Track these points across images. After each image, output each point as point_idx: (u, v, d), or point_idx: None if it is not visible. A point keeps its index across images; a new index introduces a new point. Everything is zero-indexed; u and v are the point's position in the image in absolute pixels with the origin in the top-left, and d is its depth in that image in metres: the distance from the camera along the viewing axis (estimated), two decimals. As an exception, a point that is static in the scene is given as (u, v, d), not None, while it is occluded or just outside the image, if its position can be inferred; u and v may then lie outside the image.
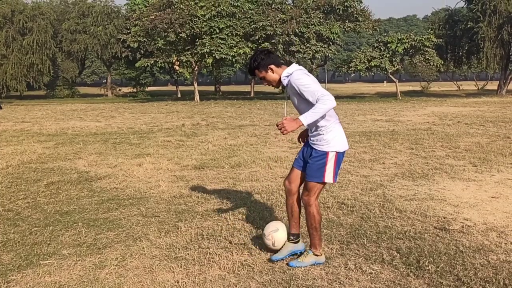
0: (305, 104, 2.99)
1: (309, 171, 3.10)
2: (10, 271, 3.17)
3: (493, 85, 41.10)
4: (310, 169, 3.09)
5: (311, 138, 3.13)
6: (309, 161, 3.11)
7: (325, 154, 3.04)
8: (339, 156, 3.10)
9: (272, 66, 3.07)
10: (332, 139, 3.04)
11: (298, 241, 3.32)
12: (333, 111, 3.07)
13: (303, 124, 2.85)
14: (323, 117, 2.99)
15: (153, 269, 3.16)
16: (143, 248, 3.54)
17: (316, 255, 3.15)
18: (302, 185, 3.25)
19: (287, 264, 3.15)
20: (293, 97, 3.11)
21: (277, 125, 2.91)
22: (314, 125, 3.07)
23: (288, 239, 3.28)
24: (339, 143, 3.07)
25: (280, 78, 3.09)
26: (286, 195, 3.32)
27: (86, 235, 3.87)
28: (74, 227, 4.09)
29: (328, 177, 3.07)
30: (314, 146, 3.10)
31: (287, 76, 3.05)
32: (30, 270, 3.18)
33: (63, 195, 5.21)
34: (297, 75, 2.98)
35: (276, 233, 3.27)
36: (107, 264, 3.25)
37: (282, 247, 3.25)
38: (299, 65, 3.15)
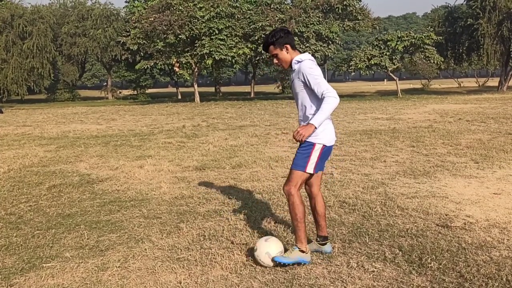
0: (305, 93, 3.07)
1: (295, 159, 3.14)
2: (13, 274, 3.17)
3: (494, 82, 41.08)
4: (296, 157, 3.13)
5: None
6: (297, 150, 3.16)
7: (311, 145, 3.07)
8: (325, 149, 3.11)
9: (288, 46, 3.10)
10: (321, 132, 3.05)
11: (325, 244, 3.34)
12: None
13: (316, 127, 2.91)
14: (315, 108, 3.04)
15: (155, 270, 3.16)
16: (145, 249, 3.54)
17: (302, 251, 3.08)
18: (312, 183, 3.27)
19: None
20: (295, 82, 3.13)
21: (294, 137, 2.95)
22: (307, 117, 3.10)
23: (316, 240, 3.35)
24: (327, 136, 3.09)
25: (291, 60, 3.11)
26: (309, 198, 3.35)
27: (89, 237, 3.88)
28: (76, 229, 4.09)
29: (310, 167, 3.08)
30: None
31: (299, 62, 3.09)
32: (33, 273, 3.18)
33: (65, 198, 5.21)
34: (309, 64, 3.04)
35: (260, 257, 3.11)
36: (109, 266, 3.26)
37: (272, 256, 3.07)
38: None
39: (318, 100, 3.03)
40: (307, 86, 3.03)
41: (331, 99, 2.87)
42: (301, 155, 3.09)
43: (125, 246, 3.64)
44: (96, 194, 5.39)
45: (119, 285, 2.96)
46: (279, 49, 3.09)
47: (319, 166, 3.15)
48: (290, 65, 3.14)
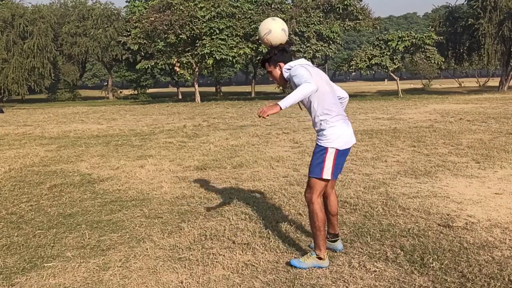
0: (306, 98, 3.02)
1: (310, 165, 3.10)
2: (14, 274, 3.17)
3: (494, 82, 41.04)
4: (311, 164, 3.09)
5: (316, 133, 3.13)
6: (312, 156, 3.12)
7: (324, 149, 3.02)
8: (340, 153, 3.03)
9: (282, 64, 3.13)
10: (332, 134, 3.00)
11: (335, 241, 3.34)
12: (335, 106, 3.08)
13: (281, 108, 2.78)
14: (322, 111, 3.01)
15: (157, 270, 3.16)
16: (147, 249, 3.54)
17: (320, 258, 3.07)
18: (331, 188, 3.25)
19: (288, 262, 3.12)
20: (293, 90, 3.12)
21: (258, 113, 2.83)
22: (316, 122, 3.06)
23: (326, 237, 3.30)
24: (340, 140, 3.02)
25: (281, 75, 3.12)
26: (322, 197, 3.29)
27: (90, 237, 3.87)
28: (77, 229, 4.09)
29: (326, 173, 3.02)
30: (317, 141, 3.10)
31: (288, 70, 3.08)
32: (34, 273, 3.18)
33: (66, 198, 5.21)
34: (294, 70, 3.00)
35: (269, 34, 3.13)
36: (111, 265, 3.26)
37: (278, 38, 3.11)
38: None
39: (322, 102, 3.01)
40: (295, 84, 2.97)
41: (305, 85, 2.79)
42: (315, 161, 3.04)
43: (127, 245, 3.64)
44: (97, 193, 5.39)
45: (120, 285, 2.95)
46: (273, 66, 3.15)
47: (336, 171, 3.08)
48: (285, 81, 3.15)
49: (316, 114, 3.04)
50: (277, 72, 3.15)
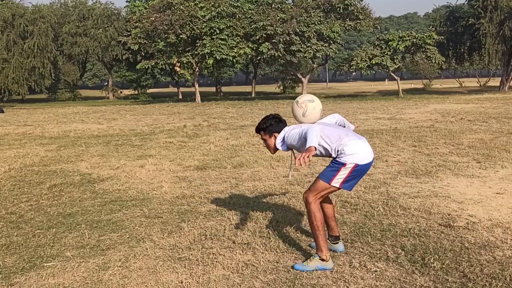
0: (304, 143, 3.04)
1: (324, 170, 3.12)
2: (13, 274, 3.16)
3: (495, 82, 41.00)
4: (325, 169, 3.11)
5: (336, 158, 3.08)
6: (330, 162, 3.11)
7: (342, 164, 2.99)
8: (358, 168, 2.99)
9: (276, 134, 3.24)
10: (350, 151, 2.96)
11: (337, 243, 3.33)
12: (341, 130, 3.11)
13: (315, 148, 2.81)
14: (335, 141, 3.00)
15: (156, 269, 3.14)
16: (147, 249, 3.52)
17: (322, 260, 3.04)
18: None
19: (292, 267, 3.11)
20: (294, 148, 3.20)
21: (298, 162, 2.76)
22: (334, 150, 3.03)
23: (327, 238, 3.32)
24: (359, 155, 2.97)
25: (275, 145, 3.23)
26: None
27: (89, 236, 3.86)
28: (77, 229, 4.08)
29: (336, 182, 3.00)
30: (336, 158, 3.06)
31: (282, 142, 3.17)
32: (33, 273, 3.17)
33: (66, 197, 5.20)
34: (290, 136, 3.11)
35: (311, 103, 3.20)
36: (110, 265, 3.24)
37: (310, 115, 3.19)
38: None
39: (329, 137, 3.02)
40: (302, 139, 3.02)
41: (308, 126, 2.97)
42: (331, 167, 3.04)
43: (126, 245, 3.63)
44: (97, 193, 5.38)
45: (120, 285, 2.94)
46: (268, 135, 3.27)
47: (349, 183, 3.03)
48: (276, 149, 3.25)
49: (332, 148, 3.02)
50: (271, 141, 3.26)
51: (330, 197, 3.43)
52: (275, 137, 3.23)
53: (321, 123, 3.21)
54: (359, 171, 3.02)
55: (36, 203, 5.01)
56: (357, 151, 2.98)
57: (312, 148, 2.80)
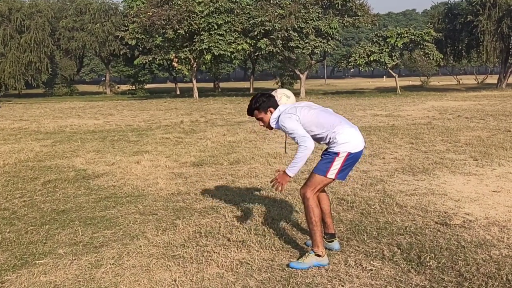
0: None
1: (318, 163, 3.15)
2: (4, 271, 3.12)
3: (493, 79, 41.02)
4: (319, 162, 3.14)
5: (327, 146, 3.15)
6: (321, 155, 3.17)
7: (335, 153, 3.05)
8: (351, 156, 3.05)
9: (271, 109, 3.24)
10: (343, 139, 3.03)
11: (332, 241, 3.31)
12: (335, 117, 3.17)
13: (291, 177, 3.05)
14: (327, 129, 3.06)
15: (150, 267, 3.11)
16: (140, 246, 3.49)
17: (318, 255, 3.04)
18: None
19: (287, 265, 3.08)
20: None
21: (273, 185, 3.09)
22: (326, 138, 3.09)
23: (324, 238, 3.29)
24: (351, 143, 3.04)
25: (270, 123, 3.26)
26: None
27: (83, 233, 3.82)
28: (70, 225, 4.04)
29: (331, 173, 3.06)
30: (328, 149, 3.13)
31: (275, 121, 3.20)
32: (25, 270, 3.13)
33: (60, 194, 5.15)
34: (282, 120, 3.13)
35: (287, 99, 3.36)
36: (103, 263, 3.20)
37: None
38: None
39: (322, 124, 3.06)
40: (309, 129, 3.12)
41: (302, 148, 2.97)
42: (324, 160, 3.09)
43: (120, 242, 3.59)
44: (92, 189, 5.33)
45: (112, 283, 2.90)
46: (264, 112, 3.24)
47: (343, 173, 3.10)
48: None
49: (324, 136, 3.08)
50: (268, 117, 3.25)
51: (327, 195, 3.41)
52: (271, 112, 3.22)
53: (317, 109, 3.23)
54: (352, 159, 3.08)
55: (30, 199, 4.96)
56: (349, 139, 3.04)
57: (288, 177, 3.03)
